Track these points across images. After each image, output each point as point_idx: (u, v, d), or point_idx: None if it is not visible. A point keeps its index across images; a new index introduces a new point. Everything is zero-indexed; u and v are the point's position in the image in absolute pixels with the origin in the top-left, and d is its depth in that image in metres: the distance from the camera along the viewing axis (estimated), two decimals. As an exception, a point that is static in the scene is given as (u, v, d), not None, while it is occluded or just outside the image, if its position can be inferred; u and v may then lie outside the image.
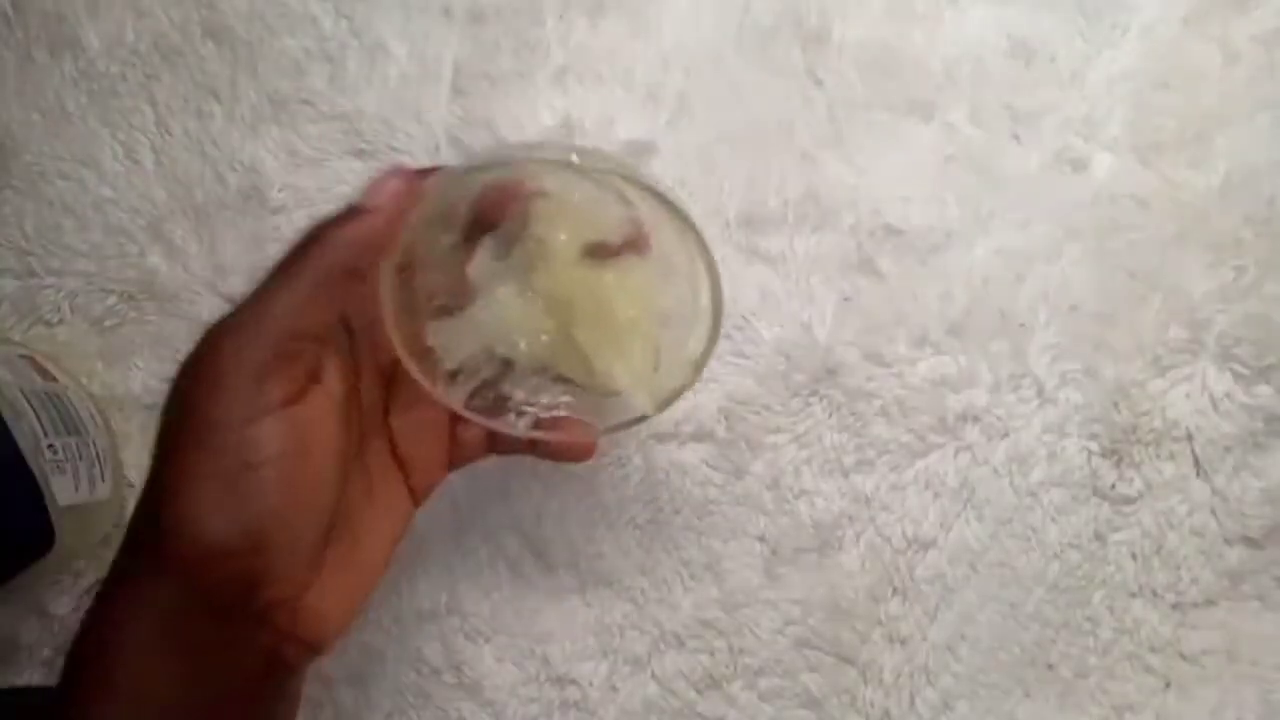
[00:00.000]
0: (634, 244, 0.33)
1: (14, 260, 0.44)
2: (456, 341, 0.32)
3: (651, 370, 0.33)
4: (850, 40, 0.44)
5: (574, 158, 0.29)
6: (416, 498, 0.33)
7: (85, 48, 0.44)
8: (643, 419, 0.34)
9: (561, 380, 0.34)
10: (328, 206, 0.43)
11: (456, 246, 0.33)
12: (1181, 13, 0.43)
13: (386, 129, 0.43)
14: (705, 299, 0.32)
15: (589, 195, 0.33)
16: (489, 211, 0.32)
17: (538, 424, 0.33)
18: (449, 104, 0.44)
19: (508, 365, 0.33)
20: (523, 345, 0.33)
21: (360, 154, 0.44)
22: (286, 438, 0.26)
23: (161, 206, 0.44)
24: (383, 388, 0.33)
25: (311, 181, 0.44)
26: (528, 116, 0.43)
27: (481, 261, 0.32)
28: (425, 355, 0.31)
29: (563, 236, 0.32)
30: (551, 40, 0.44)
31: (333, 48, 0.44)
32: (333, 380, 0.29)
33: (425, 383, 0.31)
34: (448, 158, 0.44)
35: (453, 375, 0.32)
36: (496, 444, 0.34)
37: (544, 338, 0.33)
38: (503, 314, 0.32)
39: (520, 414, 0.34)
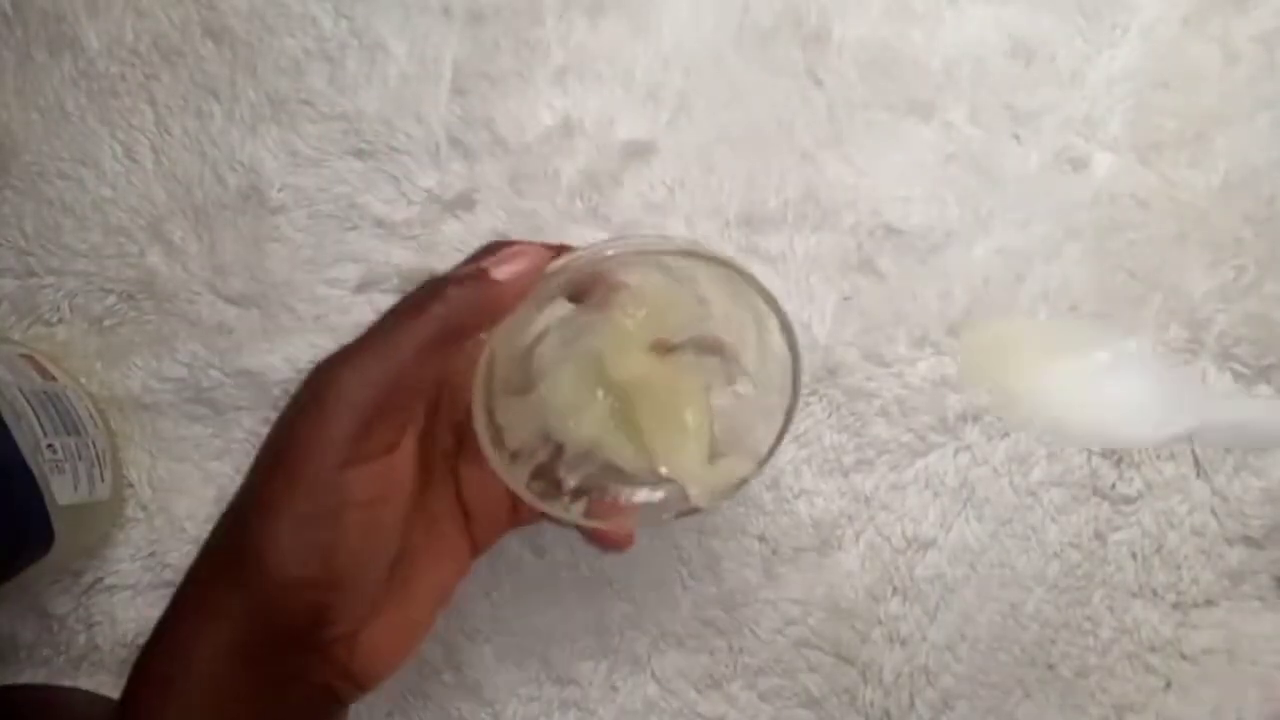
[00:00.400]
0: (707, 345, 0.34)
1: (13, 260, 0.44)
2: (519, 421, 0.32)
3: (705, 462, 0.33)
4: (850, 40, 0.44)
5: (669, 251, 0.31)
6: (477, 547, 0.33)
7: (85, 47, 0.44)
8: (694, 511, 0.34)
9: (611, 468, 0.34)
10: (327, 206, 0.44)
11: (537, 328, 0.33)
12: (1181, 12, 0.43)
13: (386, 129, 0.43)
14: (777, 399, 0.33)
15: (668, 291, 0.33)
16: (572, 298, 0.32)
17: (587, 510, 0.33)
18: (449, 104, 0.44)
19: (560, 449, 0.33)
20: (572, 427, 0.33)
21: (360, 154, 0.44)
22: (376, 485, 0.27)
23: (161, 206, 0.44)
24: (455, 435, 0.33)
25: (311, 181, 0.44)
26: (528, 116, 0.43)
27: (551, 345, 0.33)
28: (497, 432, 0.31)
29: (632, 326, 0.32)
30: (551, 40, 0.44)
31: (332, 48, 0.44)
32: (423, 426, 0.30)
33: (492, 460, 0.31)
34: (447, 158, 0.43)
35: (514, 455, 0.32)
36: (550, 515, 0.34)
37: (595, 423, 0.33)
38: (559, 396, 0.33)
39: (575, 497, 0.33)
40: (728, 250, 0.43)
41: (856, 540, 0.44)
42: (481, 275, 0.28)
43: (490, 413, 0.30)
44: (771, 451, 0.33)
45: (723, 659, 0.44)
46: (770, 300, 0.31)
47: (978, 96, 0.44)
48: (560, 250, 0.30)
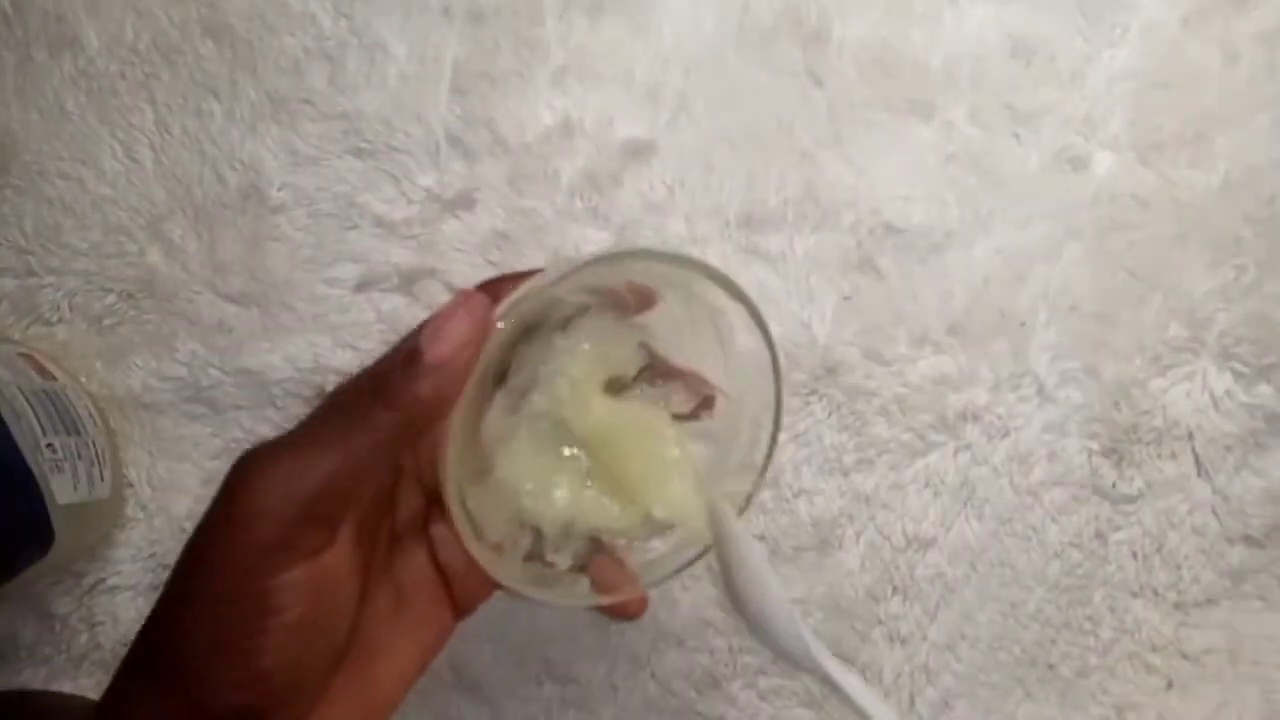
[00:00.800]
0: (665, 370, 0.30)
1: (13, 259, 0.44)
2: (490, 509, 0.28)
3: (699, 492, 0.30)
4: (850, 40, 0.44)
5: (597, 262, 0.26)
6: (460, 609, 0.31)
7: (85, 47, 0.44)
8: (706, 550, 0.30)
9: (597, 538, 0.30)
10: (327, 205, 0.44)
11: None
12: (1181, 13, 0.43)
13: (386, 128, 0.43)
14: (757, 400, 0.29)
15: (602, 328, 0.29)
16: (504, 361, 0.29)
17: (594, 585, 0.30)
18: (448, 103, 0.44)
19: (539, 532, 0.30)
20: (543, 505, 0.29)
21: (359, 153, 0.44)
22: (309, 588, 0.25)
23: (161, 205, 0.44)
24: (423, 496, 0.30)
25: (311, 180, 0.44)
26: (527, 116, 0.43)
27: (494, 419, 0.28)
28: (474, 524, 0.28)
29: (577, 371, 0.28)
30: (551, 40, 0.43)
31: (332, 47, 0.44)
32: (365, 511, 0.27)
33: (478, 556, 0.27)
34: (447, 157, 0.43)
35: (497, 546, 0.29)
36: (558, 603, 0.31)
37: (566, 492, 0.29)
38: (518, 473, 0.28)
39: (577, 574, 0.30)
40: (728, 251, 0.43)
41: (857, 540, 0.44)
42: (416, 357, 0.24)
43: (464, 503, 0.27)
44: (769, 459, 0.30)
45: (722, 659, 0.44)
46: (735, 291, 0.27)
47: (978, 96, 0.44)
48: (504, 283, 0.27)
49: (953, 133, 0.44)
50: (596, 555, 0.30)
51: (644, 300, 0.29)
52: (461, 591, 0.30)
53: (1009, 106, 0.44)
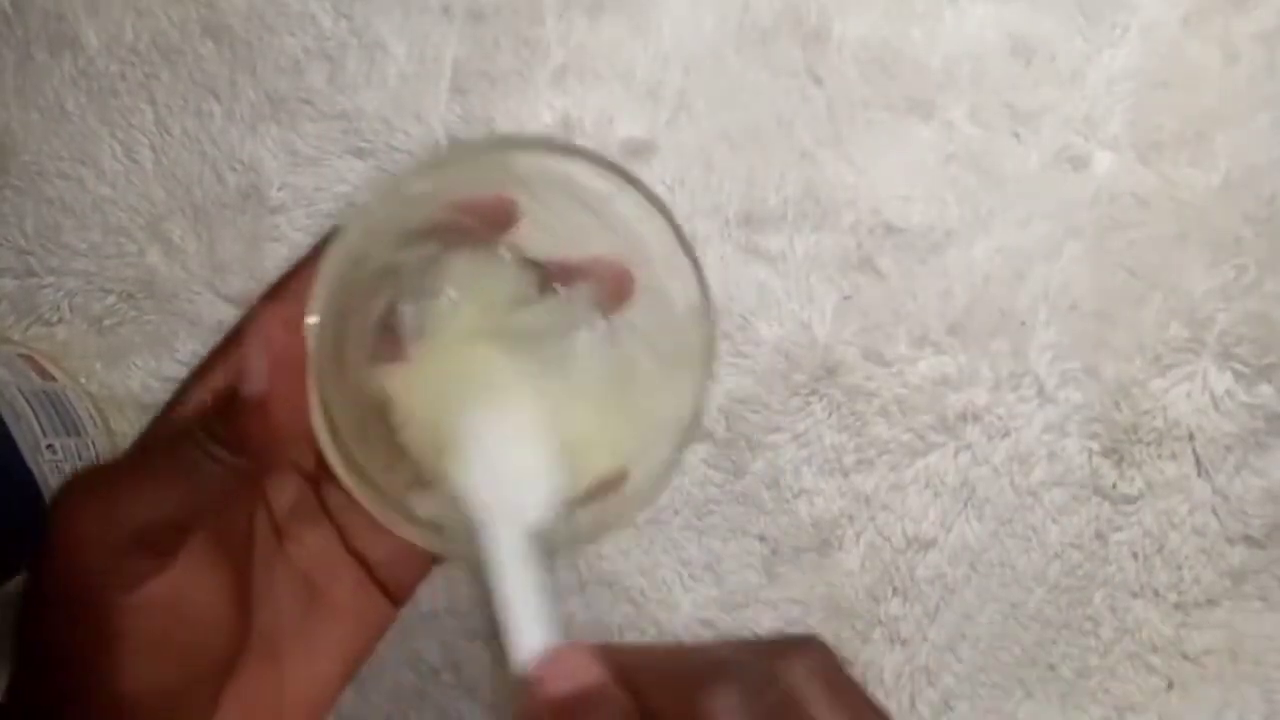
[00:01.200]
0: (556, 278, 0.26)
1: (13, 259, 0.44)
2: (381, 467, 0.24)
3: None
4: (850, 39, 0.43)
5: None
6: (394, 593, 0.28)
7: (84, 46, 0.44)
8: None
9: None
10: (327, 205, 0.44)
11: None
12: (1181, 12, 0.43)
13: (386, 128, 0.43)
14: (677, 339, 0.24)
15: (465, 270, 0.25)
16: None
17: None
18: (448, 103, 0.43)
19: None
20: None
21: (360, 153, 0.44)
22: (150, 610, 0.22)
23: (160, 205, 0.44)
24: (311, 478, 0.27)
25: (311, 180, 0.44)
26: (527, 115, 0.43)
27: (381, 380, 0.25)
28: (375, 487, 0.24)
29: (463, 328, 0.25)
30: (551, 39, 0.43)
31: (332, 47, 0.44)
32: (217, 518, 0.24)
33: (384, 521, 0.24)
34: (447, 157, 0.43)
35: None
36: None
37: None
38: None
39: None
40: (727, 250, 0.43)
41: (857, 540, 0.43)
42: (232, 403, 0.22)
43: (354, 465, 0.23)
44: (710, 345, 0.24)
45: (723, 659, 0.44)
46: (614, 171, 0.23)
47: (978, 95, 0.44)
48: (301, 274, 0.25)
49: (953, 132, 0.44)
50: None
51: (501, 216, 0.25)
52: (392, 572, 0.28)
53: (1009, 106, 0.44)
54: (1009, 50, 0.44)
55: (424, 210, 0.25)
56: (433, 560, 0.28)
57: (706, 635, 0.44)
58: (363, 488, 0.23)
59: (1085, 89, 0.44)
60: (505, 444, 0.24)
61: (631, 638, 0.44)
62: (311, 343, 0.22)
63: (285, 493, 0.27)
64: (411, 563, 0.28)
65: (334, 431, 0.23)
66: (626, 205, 0.24)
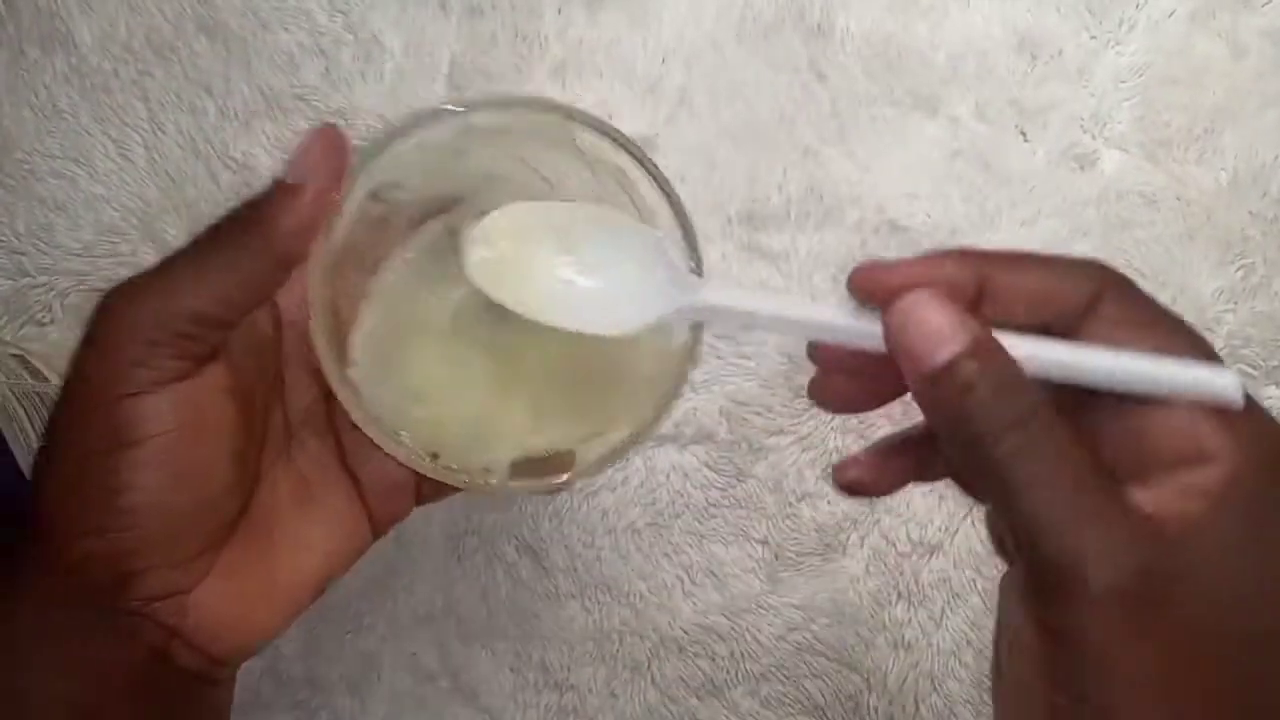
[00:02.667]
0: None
1: (5, 259, 0.43)
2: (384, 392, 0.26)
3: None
4: (854, 34, 0.43)
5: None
6: (376, 524, 0.29)
7: (77, 44, 0.43)
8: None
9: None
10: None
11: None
12: (1189, 8, 0.43)
13: (382, 124, 0.43)
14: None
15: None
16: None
17: (515, 470, 0.28)
18: (445, 99, 0.43)
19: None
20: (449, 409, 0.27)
21: (356, 150, 0.43)
22: (168, 416, 0.24)
23: (154, 204, 0.43)
24: (326, 394, 0.28)
25: (306, 179, 0.43)
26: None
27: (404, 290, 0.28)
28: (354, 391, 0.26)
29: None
30: (550, 33, 0.43)
31: (327, 42, 0.43)
32: (238, 359, 0.26)
33: (357, 420, 0.25)
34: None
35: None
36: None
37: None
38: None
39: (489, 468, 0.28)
40: (730, 248, 0.43)
41: (861, 545, 0.43)
42: (283, 186, 0.24)
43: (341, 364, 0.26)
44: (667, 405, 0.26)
45: (724, 665, 0.43)
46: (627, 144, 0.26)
47: (983, 92, 0.43)
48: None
49: (958, 129, 0.43)
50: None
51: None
52: (375, 499, 0.29)
53: (1015, 102, 0.43)
54: (1015, 46, 0.43)
55: (488, 152, 0.27)
56: (416, 500, 0.30)
57: (708, 640, 0.43)
58: (355, 404, 0.25)
59: (1092, 85, 0.43)
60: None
61: (631, 643, 0.43)
62: (325, 239, 0.25)
63: (300, 398, 0.28)
64: (395, 494, 0.29)
65: (331, 344, 0.25)
66: (665, 219, 0.27)
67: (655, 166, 0.26)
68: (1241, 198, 0.43)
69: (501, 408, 0.29)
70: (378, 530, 0.30)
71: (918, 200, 0.43)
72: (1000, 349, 0.21)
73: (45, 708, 0.24)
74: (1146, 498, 0.20)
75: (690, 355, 0.27)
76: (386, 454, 0.26)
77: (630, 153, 0.26)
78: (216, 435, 0.25)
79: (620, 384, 0.29)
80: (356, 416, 0.25)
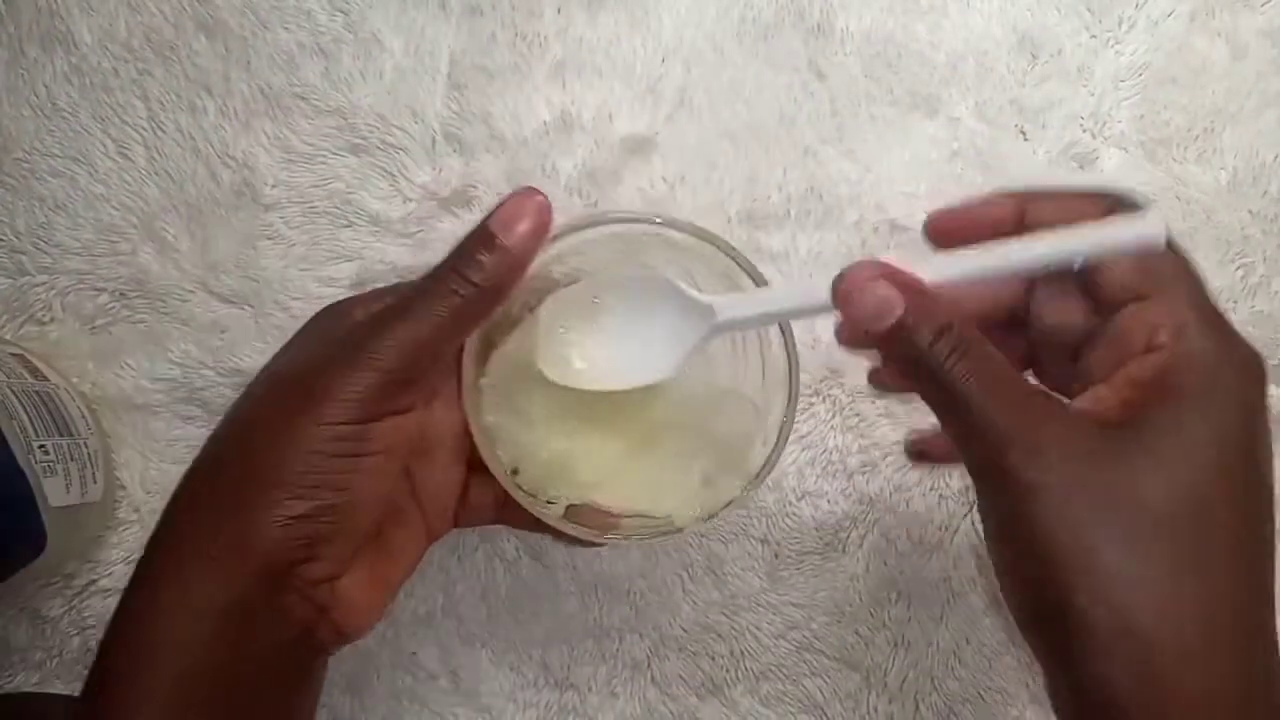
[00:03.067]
0: None
1: (5, 258, 0.43)
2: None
3: (697, 485, 0.32)
4: (854, 33, 0.43)
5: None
6: (431, 531, 0.33)
7: (77, 43, 0.43)
8: (679, 531, 0.32)
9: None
10: (321, 203, 0.43)
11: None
12: (1188, 7, 0.43)
13: (381, 124, 0.43)
14: (777, 416, 0.31)
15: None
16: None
17: (568, 511, 0.32)
18: (445, 98, 0.43)
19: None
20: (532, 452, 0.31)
21: (355, 149, 0.43)
22: (390, 438, 0.28)
23: (154, 203, 0.43)
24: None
25: (305, 177, 0.43)
26: (525, 111, 0.43)
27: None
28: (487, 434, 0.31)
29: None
30: (549, 33, 0.43)
31: (327, 41, 0.43)
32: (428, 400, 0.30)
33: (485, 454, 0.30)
34: (443, 153, 0.43)
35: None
36: (503, 514, 0.33)
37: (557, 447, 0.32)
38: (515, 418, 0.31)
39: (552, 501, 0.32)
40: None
41: (860, 543, 0.43)
42: (488, 242, 0.27)
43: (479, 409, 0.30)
44: (763, 475, 0.31)
45: (724, 664, 0.43)
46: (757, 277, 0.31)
47: (983, 91, 0.43)
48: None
49: (958, 128, 0.43)
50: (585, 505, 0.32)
51: None
52: (429, 515, 0.33)
53: (1015, 102, 0.43)
54: (1015, 45, 0.43)
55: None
56: (454, 522, 0.33)
57: (708, 639, 0.43)
58: (474, 408, 0.30)
59: (1092, 85, 0.43)
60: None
61: (631, 641, 0.43)
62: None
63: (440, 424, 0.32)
64: (442, 515, 0.33)
65: (477, 357, 0.30)
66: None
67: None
68: (1241, 197, 0.43)
69: (582, 455, 0.32)
70: (429, 540, 0.33)
71: (918, 199, 0.43)
72: (933, 300, 0.25)
73: (196, 672, 0.26)
74: (1097, 394, 0.25)
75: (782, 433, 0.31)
76: (444, 470, 0.31)
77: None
78: (402, 458, 0.29)
79: (699, 446, 0.33)
80: (472, 418, 0.30)
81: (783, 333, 0.31)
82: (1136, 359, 0.25)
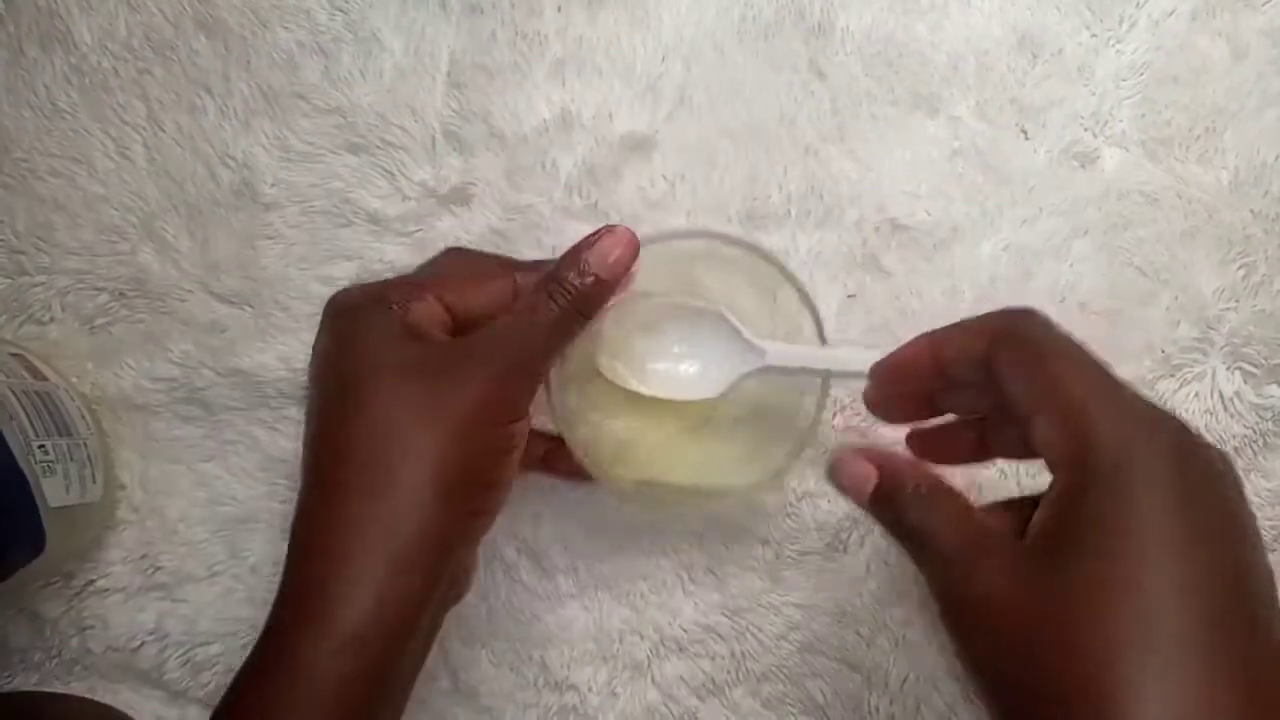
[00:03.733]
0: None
1: (4, 258, 0.43)
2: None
3: (747, 456, 0.38)
4: (854, 32, 0.43)
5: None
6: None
7: (77, 43, 0.43)
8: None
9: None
10: (321, 202, 0.43)
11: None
12: (1189, 7, 0.43)
13: (381, 123, 0.43)
14: (806, 417, 0.38)
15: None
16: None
17: (635, 486, 0.38)
18: (445, 97, 0.43)
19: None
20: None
21: (354, 148, 0.43)
22: (519, 436, 0.33)
23: (153, 203, 0.43)
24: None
25: (305, 177, 0.43)
26: (525, 109, 0.43)
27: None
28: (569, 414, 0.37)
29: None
30: (549, 32, 0.43)
31: (327, 40, 0.43)
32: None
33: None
34: (443, 151, 0.43)
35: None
36: (549, 461, 0.39)
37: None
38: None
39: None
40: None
41: (862, 544, 0.43)
42: (586, 272, 0.33)
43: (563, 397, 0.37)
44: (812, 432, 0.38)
45: (725, 665, 0.43)
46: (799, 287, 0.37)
47: (984, 91, 0.43)
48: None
49: (959, 128, 0.43)
50: None
51: None
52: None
53: (1015, 101, 0.43)
54: (1015, 44, 0.43)
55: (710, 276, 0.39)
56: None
57: (709, 640, 0.43)
58: (558, 387, 0.36)
59: (1093, 84, 0.43)
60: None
61: (631, 642, 0.43)
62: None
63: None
64: (529, 464, 0.39)
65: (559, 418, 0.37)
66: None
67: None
68: (1243, 196, 0.43)
69: (640, 439, 0.38)
70: None
71: (918, 199, 0.43)
72: (900, 471, 0.30)
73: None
74: (1038, 518, 0.27)
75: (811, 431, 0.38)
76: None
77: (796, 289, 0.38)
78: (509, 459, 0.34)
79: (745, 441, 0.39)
80: (554, 407, 0.36)
81: (817, 328, 0.37)
82: (1053, 479, 0.27)
